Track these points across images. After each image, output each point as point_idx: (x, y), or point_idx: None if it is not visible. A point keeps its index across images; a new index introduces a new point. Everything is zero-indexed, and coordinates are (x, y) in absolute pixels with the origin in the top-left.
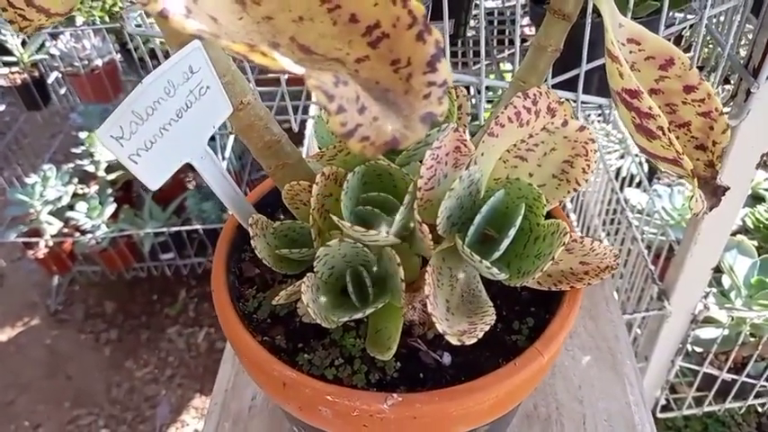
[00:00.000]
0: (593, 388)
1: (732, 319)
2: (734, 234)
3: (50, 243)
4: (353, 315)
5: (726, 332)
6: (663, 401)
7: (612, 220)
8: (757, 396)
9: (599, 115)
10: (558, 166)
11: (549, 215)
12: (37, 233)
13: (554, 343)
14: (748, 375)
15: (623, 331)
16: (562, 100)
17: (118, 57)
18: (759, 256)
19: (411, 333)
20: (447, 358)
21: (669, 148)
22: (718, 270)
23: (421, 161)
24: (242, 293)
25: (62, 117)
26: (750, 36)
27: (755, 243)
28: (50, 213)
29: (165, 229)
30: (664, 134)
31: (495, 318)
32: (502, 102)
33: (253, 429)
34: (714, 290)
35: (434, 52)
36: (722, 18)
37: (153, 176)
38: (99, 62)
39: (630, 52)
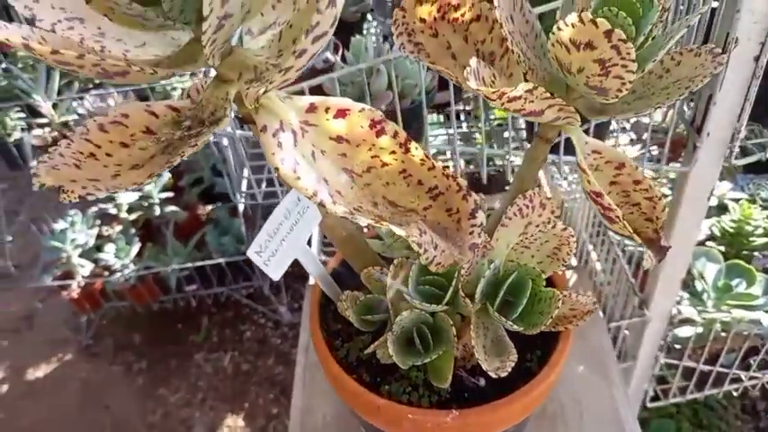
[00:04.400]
0: (587, 391)
1: (704, 319)
2: (703, 242)
3: (82, 284)
4: (421, 360)
5: (700, 330)
6: (651, 393)
7: (598, 232)
8: (732, 382)
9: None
10: (551, 251)
11: (549, 280)
12: (69, 275)
13: (557, 367)
14: (722, 365)
15: (608, 342)
16: (549, 197)
17: None
18: (726, 260)
19: (455, 366)
20: (482, 381)
21: (624, 229)
22: (690, 275)
23: None
24: (331, 344)
25: None
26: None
27: (722, 249)
28: (80, 256)
29: (190, 264)
30: (620, 220)
31: (517, 357)
32: (506, 200)
33: None
34: (687, 294)
35: (474, 206)
36: None
37: (276, 272)
38: None
39: (595, 159)
